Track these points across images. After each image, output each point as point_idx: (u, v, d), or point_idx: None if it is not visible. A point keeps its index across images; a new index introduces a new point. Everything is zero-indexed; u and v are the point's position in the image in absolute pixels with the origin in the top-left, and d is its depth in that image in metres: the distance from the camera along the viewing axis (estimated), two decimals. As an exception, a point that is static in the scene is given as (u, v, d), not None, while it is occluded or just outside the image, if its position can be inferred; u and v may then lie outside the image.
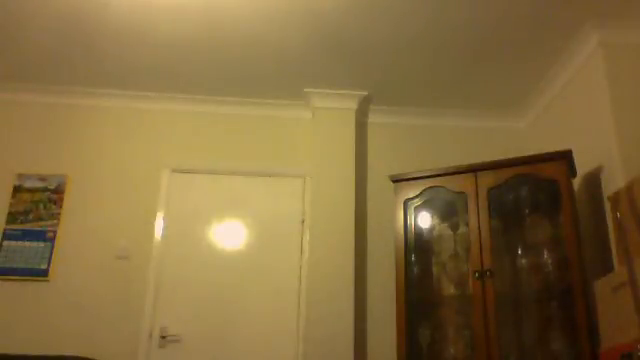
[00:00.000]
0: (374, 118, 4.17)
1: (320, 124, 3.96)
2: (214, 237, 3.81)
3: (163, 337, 3.52)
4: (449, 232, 3.36)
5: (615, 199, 2.66)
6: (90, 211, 3.77)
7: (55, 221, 3.71)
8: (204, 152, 4.01)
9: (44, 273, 3.58)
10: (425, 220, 3.41)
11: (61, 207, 3.75)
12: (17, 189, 3.77)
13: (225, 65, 3.65)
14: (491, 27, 3.18)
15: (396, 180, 3.36)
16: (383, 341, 3.59)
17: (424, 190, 3.28)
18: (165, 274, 3.67)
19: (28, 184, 3.78)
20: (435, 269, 3.33)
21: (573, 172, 3.07)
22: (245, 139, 4.05)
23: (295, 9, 3.07)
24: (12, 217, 3.70)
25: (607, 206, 2.85)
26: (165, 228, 3.78)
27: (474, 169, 3.14)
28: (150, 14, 3.13)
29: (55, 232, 3.68)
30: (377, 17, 3.11)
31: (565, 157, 2.92)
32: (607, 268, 2.80)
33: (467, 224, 3.09)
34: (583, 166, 3.22)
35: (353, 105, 3.98)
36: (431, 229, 3.41)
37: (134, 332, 3.50)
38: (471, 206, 3.07)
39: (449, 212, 3.39)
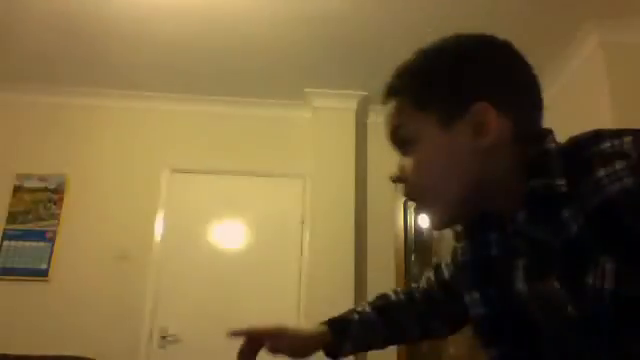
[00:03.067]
0: (374, 118, 4.16)
1: (320, 124, 3.96)
2: (214, 237, 3.81)
3: (163, 337, 3.52)
4: (449, 232, 3.36)
5: (615, 199, 2.65)
6: (90, 211, 3.76)
7: (55, 221, 3.71)
8: (204, 152, 4.00)
9: (44, 273, 3.58)
10: (425, 220, 3.41)
11: (61, 207, 3.74)
12: (17, 189, 3.77)
13: (225, 65, 3.65)
14: (490, 27, 3.17)
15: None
16: (383, 341, 3.58)
17: (424, 190, 3.28)
18: (165, 274, 3.66)
19: (28, 184, 3.78)
20: (435, 269, 3.33)
21: (573, 172, 3.06)
22: (245, 139, 4.05)
23: (295, 9, 3.07)
24: (12, 217, 3.70)
25: (607, 206, 2.85)
26: (165, 228, 3.78)
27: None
28: (150, 14, 3.13)
29: (55, 232, 3.68)
30: (377, 17, 3.11)
31: (565, 157, 2.92)
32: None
33: (467, 224, 3.09)
34: (583, 166, 3.21)
35: (353, 105, 3.98)
36: (431, 229, 3.41)
37: (134, 332, 3.50)
38: (471, 206, 3.07)
39: (449, 212, 3.39)
